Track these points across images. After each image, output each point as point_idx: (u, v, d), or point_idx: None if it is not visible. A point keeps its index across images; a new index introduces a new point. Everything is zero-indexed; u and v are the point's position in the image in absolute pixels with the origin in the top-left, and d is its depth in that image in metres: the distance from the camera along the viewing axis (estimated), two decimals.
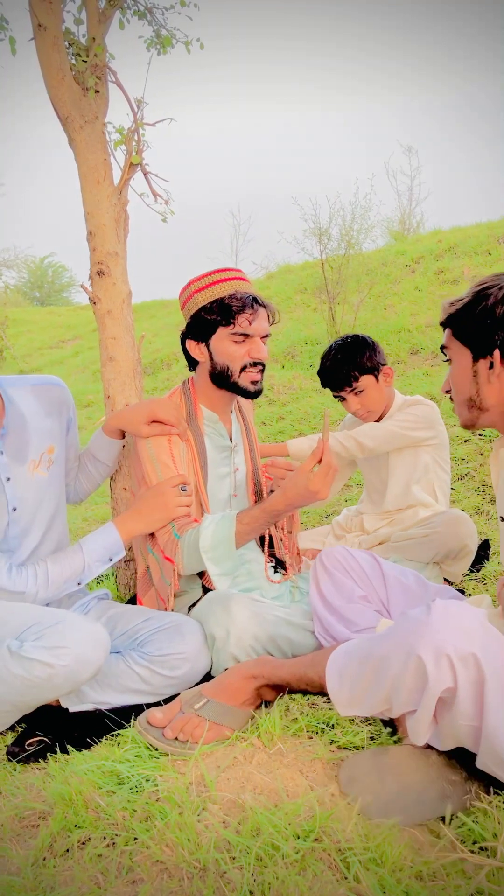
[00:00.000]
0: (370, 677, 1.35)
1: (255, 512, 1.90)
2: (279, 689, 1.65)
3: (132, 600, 2.41)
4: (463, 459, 3.91)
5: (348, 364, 2.58)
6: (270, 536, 2.18)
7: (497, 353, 1.42)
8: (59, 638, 1.56)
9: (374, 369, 2.59)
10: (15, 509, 1.89)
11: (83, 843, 1.26)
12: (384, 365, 2.63)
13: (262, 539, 2.20)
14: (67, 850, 1.26)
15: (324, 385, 2.69)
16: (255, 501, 2.27)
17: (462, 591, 2.44)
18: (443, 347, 1.58)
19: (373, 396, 2.62)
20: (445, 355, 1.56)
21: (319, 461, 1.80)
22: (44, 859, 1.24)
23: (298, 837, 1.23)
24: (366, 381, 2.59)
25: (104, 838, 1.26)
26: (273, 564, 2.37)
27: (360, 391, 2.60)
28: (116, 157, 2.45)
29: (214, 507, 2.18)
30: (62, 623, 1.61)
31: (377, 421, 2.69)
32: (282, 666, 1.61)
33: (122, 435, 2.22)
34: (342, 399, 2.66)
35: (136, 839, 1.25)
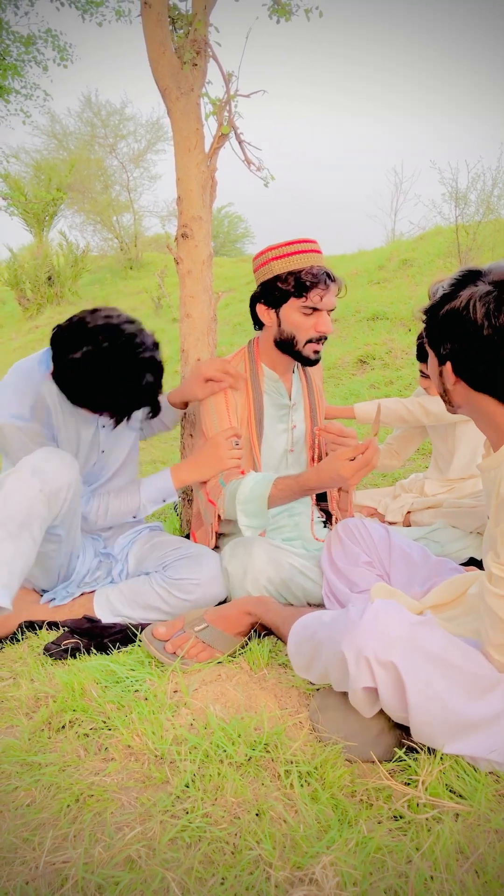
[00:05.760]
0: (314, 654, 1.48)
1: (289, 481, 2.00)
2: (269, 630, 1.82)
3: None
4: None
5: None
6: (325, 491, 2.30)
7: (448, 365, 1.40)
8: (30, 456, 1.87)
9: None
10: (103, 452, 2.19)
11: (73, 724, 1.51)
12: None
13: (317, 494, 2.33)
14: (63, 727, 1.51)
15: None
16: (312, 457, 2.41)
17: None
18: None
19: None
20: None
21: (363, 452, 1.86)
22: (42, 730, 1.50)
23: (250, 746, 1.41)
24: None
25: (91, 722, 1.51)
26: (324, 520, 2.52)
27: None
28: (210, 126, 2.60)
29: (271, 460, 2.34)
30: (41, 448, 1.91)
31: None
32: (271, 612, 1.78)
33: (184, 405, 2.44)
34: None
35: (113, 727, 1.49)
